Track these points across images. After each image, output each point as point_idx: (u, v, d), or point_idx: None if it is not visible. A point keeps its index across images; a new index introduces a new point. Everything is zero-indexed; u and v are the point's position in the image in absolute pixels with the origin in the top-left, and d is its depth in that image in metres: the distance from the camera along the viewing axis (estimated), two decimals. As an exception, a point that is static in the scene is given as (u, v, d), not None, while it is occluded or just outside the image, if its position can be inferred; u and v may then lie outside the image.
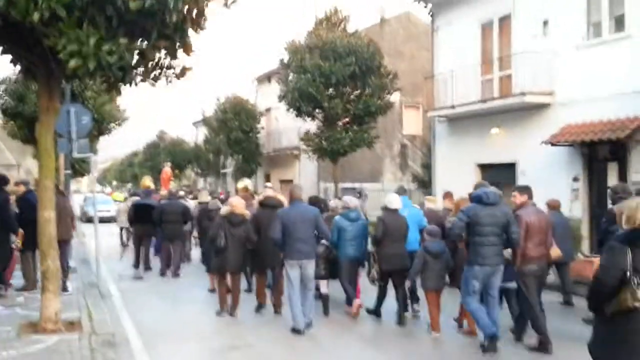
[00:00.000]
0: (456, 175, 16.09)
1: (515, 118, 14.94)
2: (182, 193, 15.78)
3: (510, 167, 15.25)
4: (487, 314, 6.72)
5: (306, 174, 27.66)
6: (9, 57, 6.65)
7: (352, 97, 20.14)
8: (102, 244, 11.19)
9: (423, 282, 7.55)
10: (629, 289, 3.62)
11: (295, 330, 7.44)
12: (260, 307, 8.67)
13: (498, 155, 15.61)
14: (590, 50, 13.25)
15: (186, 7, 5.97)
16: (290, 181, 29.09)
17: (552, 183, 13.38)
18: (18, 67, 7.09)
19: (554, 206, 9.30)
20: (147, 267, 12.75)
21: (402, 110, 27.42)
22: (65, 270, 9.51)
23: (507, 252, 6.90)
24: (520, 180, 14.75)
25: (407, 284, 7.86)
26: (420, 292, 8.07)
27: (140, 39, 6.09)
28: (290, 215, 7.68)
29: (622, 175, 12.56)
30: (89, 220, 25.39)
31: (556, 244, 7.33)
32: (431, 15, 18.34)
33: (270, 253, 8.36)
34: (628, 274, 3.63)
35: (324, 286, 8.67)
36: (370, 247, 8.63)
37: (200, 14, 6.25)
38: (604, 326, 3.89)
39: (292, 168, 29.42)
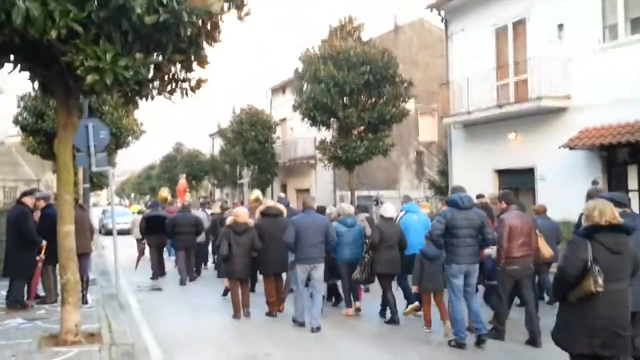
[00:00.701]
0: (473, 181, 15.97)
1: (532, 123, 14.86)
2: (201, 202, 16.53)
3: (528, 172, 15.15)
4: (468, 307, 7.23)
5: (322, 183, 27.71)
6: (27, 74, 6.79)
7: (366, 105, 20.18)
8: (121, 256, 11.30)
9: (421, 283, 7.91)
10: (591, 276, 4.15)
11: (297, 322, 8.23)
12: (270, 313, 9.03)
13: (516, 161, 15.52)
14: (606, 53, 13.16)
15: (200, 20, 6.05)
16: (307, 190, 29.15)
17: (571, 187, 13.26)
18: (36, 84, 7.24)
19: (539, 211, 9.90)
20: (163, 273, 13.64)
21: (417, 117, 27.38)
22: (85, 283, 9.64)
23: (493, 251, 7.46)
24: (540, 185, 14.66)
25: (414, 288, 8.26)
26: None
27: (156, 53, 6.19)
28: (302, 223, 8.28)
29: (643, 179, 12.42)
30: (108, 232, 25.64)
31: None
32: (444, 22, 18.35)
33: (273, 259, 9.02)
34: (589, 263, 4.18)
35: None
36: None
37: (215, 27, 6.33)
38: (568, 313, 4.40)
39: (308, 177, 29.49)
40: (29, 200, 9.29)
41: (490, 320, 7.52)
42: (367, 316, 8.97)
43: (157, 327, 8.31)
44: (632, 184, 12.73)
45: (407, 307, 8.83)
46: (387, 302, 8.55)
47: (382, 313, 8.77)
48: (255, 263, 9.18)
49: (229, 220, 9.11)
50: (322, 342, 7.52)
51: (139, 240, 15.70)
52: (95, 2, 5.43)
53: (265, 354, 7.00)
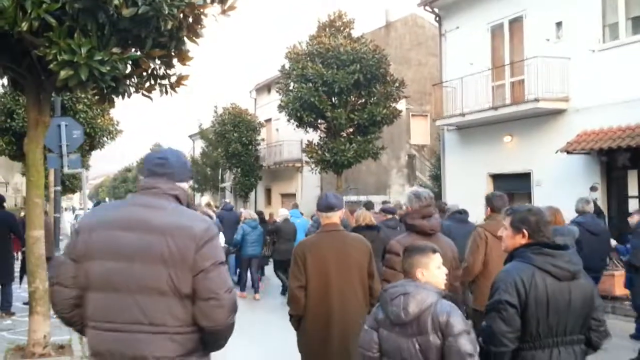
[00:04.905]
0: (467, 187, 16.10)
1: (528, 125, 14.96)
2: None
3: (524, 177, 15.25)
4: None
5: (309, 187, 27.68)
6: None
7: (356, 106, 20.22)
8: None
9: None
10: None
11: None
12: None
13: (511, 165, 15.62)
14: (606, 53, 13.29)
15: (182, 14, 6.02)
16: (293, 195, 29.11)
17: (568, 193, 13.35)
18: (5, 80, 7.16)
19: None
20: None
21: (409, 119, 27.49)
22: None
23: None
24: (536, 191, 14.74)
25: None
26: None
27: (134, 48, 6.14)
28: None
29: (643, 184, 12.55)
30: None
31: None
32: (438, 20, 18.45)
33: None
34: None
35: None
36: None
37: (197, 21, 6.30)
38: None
39: (294, 181, 29.46)
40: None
41: None
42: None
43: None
44: (632, 189, 12.86)
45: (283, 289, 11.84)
46: (282, 280, 11.77)
47: (284, 292, 11.69)
48: None
49: None
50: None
51: None
52: (70, -7, 5.39)
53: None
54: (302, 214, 14.12)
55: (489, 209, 5.90)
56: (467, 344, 2.80)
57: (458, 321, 2.83)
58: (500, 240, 4.86)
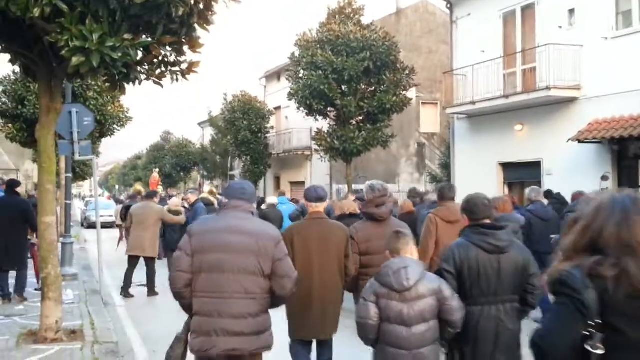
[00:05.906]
0: (477, 175, 16.03)
1: (539, 114, 14.86)
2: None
3: (534, 166, 15.17)
4: None
5: (318, 175, 27.67)
6: (7, 56, 6.73)
7: (366, 94, 20.15)
8: (105, 250, 11.28)
9: None
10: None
11: None
12: None
13: (522, 154, 15.53)
14: (619, 41, 13.15)
15: (192, 0, 6.00)
16: (302, 183, 29.13)
17: (579, 182, 13.27)
18: (17, 67, 7.18)
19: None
20: None
21: (419, 107, 27.36)
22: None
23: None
24: (546, 180, 14.66)
25: None
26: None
27: (145, 35, 6.13)
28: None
29: (655, 174, 12.45)
30: (91, 226, 25.61)
31: None
32: (449, 7, 18.31)
33: None
34: None
35: None
36: None
37: (208, 7, 6.27)
38: None
39: (304, 169, 29.46)
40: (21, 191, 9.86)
41: None
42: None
43: (142, 325, 8.29)
44: (644, 179, 12.77)
45: None
46: None
47: None
48: None
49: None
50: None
51: (119, 226, 17.81)
52: (81, -21, 5.38)
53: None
54: (292, 201, 15.08)
55: (437, 198, 6.62)
56: (458, 301, 3.68)
57: (446, 287, 3.70)
58: (449, 225, 5.98)
